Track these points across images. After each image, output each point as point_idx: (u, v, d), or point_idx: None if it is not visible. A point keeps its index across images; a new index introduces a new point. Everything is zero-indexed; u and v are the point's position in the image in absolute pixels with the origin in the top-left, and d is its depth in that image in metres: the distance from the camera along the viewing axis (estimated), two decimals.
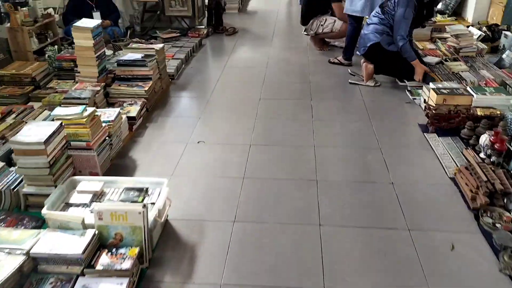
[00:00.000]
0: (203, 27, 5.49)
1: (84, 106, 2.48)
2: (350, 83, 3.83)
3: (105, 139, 2.56)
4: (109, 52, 4.04)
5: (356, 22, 4.05)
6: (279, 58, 4.57)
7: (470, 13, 5.62)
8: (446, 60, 3.95)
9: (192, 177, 2.50)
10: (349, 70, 4.00)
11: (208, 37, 5.33)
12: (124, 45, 4.51)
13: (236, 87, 3.87)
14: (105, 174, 2.51)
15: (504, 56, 3.98)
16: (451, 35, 4.13)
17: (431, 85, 3.21)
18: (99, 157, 2.47)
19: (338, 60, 4.31)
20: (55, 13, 4.52)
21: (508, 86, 3.27)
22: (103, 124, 2.58)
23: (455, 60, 3.95)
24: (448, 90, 3.05)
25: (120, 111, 2.84)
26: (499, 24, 4.60)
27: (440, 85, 3.21)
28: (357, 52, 3.78)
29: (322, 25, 4.59)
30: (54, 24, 4.42)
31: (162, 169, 2.59)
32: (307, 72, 4.18)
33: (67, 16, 4.72)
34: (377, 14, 3.56)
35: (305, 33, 4.80)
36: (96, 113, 2.52)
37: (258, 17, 6.47)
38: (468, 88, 3.08)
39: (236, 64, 4.45)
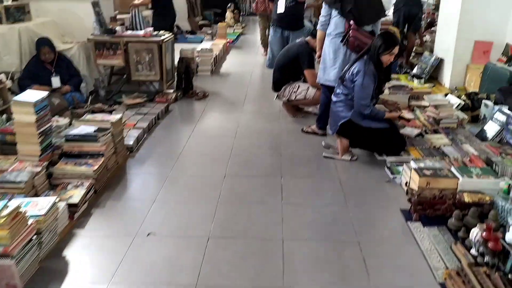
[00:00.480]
0: (172, 91, 5.23)
1: (5, 202, 2.08)
2: (325, 157, 3.53)
3: (30, 240, 2.14)
4: (65, 121, 3.70)
5: (329, 91, 3.81)
6: (249, 126, 4.28)
7: (447, 79, 5.52)
8: (426, 132, 3.71)
9: (133, 286, 2.08)
10: (323, 142, 3.71)
11: (177, 102, 5.05)
12: (83, 112, 4.18)
13: (201, 160, 3.52)
14: (28, 283, 2.07)
15: (486, 127, 3.78)
16: (430, 105, 3.92)
17: (413, 164, 2.92)
18: (21, 263, 2.03)
19: (312, 130, 4.04)
20: (7, 79, 4.19)
21: (495, 165, 3.01)
22: (30, 221, 2.17)
23: (435, 132, 3.72)
24: (431, 171, 2.76)
25: (56, 201, 2.43)
26: (478, 92, 4.45)
27: (422, 164, 2.93)
28: (329, 132, 3.52)
29: (295, 92, 4.36)
30: (5, 91, 4.07)
31: (100, 273, 2.16)
32: (279, 142, 3.88)
33: (24, 82, 4.38)
34: (340, 88, 3.33)
35: (277, 99, 4.56)
36: (21, 209, 2.11)
37: (231, 79, 6.27)
38: (453, 169, 2.79)
39: (203, 132, 4.14)
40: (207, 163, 3.46)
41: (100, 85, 5.11)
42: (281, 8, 4.88)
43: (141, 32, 5.08)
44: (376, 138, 3.30)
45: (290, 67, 4.34)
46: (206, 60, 6.45)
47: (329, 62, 3.69)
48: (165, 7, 5.74)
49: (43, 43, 4.45)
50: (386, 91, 4.42)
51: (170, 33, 5.34)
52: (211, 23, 11.35)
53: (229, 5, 11.15)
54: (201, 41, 9.04)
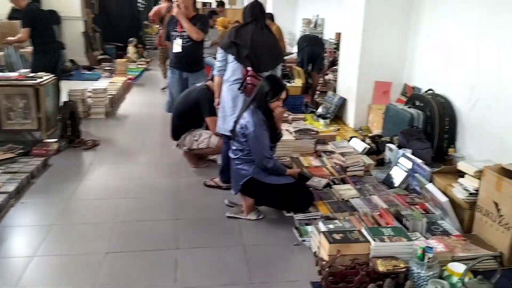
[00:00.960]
0: (55, 141, 4.52)
1: None
2: (229, 217, 3.12)
3: None
4: None
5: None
6: (144, 183, 3.75)
7: (351, 118, 5.51)
8: (334, 182, 3.50)
9: None
10: (226, 200, 3.31)
11: (60, 154, 4.35)
12: None
13: (77, 235, 2.90)
14: None
15: (392, 172, 3.67)
16: (337, 152, 3.74)
17: (322, 227, 2.63)
18: None
19: (215, 183, 3.64)
20: None
21: (405, 220, 2.83)
22: None
23: (343, 181, 3.52)
24: (341, 235, 2.47)
25: None
26: (381, 135, 4.41)
27: (331, 226, 2.64)
28: (232, 192, 3.14)
29: (196, 140, 3.94)
30: None
31: None
32: (178, 202, 3.41)
33: None
34: (235, 145, 3.00)
35: (177, 148, 4.11)
36: None
37: (128, 123, 5.69)
38: (364, 231, 2.54)
39: (87, 194, 3.52)
40: (85, 237, 2.85)
41: None
42: (177, 47, 4.49)
43: (14, 74, 4.36)
44: (282, 194, 2.98)
45: (190, 114, 3.93)
46: (99, 102, 5.82)
47: (229, 110, 3.36)
48: (45, 44, 5.05)
49: None
50: (291, 136, 4.19)
51: (52, 74, 4.67)
52: (112, 58, 10.66)
53: (131, 39, 10.58)
54: (98, 78, 8.33)
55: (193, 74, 4.58)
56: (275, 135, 3.05)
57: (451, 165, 4.21)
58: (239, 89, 3.23)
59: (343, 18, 5.75)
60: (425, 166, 3.34)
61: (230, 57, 3.28)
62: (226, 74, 3.34)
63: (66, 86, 6.02)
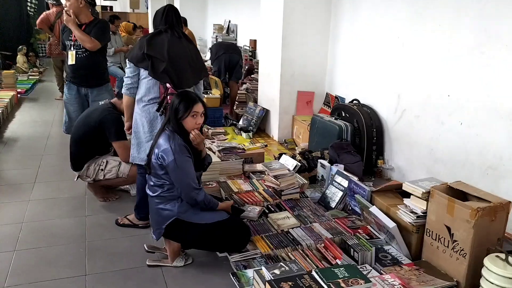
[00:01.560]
0: None
1: None
2: (150, 265, 2.58)
3: None
4: None
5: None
6: (39, 225, 3.04)
7: (275, 131, 5.21)
8: (268, 208, 3.11)
9: None
10: (145, 246, 2.74)
11: None
12: None
13: None
14: None
15: (327, 192, 3.39)
16: (269, 174, 3.37)
17: (266, 273, 2.21)
18: None
19: (130, 221, 3.05)
20: None
21: (353, 252, 2.53)
22: None
23: (278, 207, 3.15)
24: (290, 284, 2.08)
25: None
26: (311, 150, 4.14)
27: (276, 271, 2.24)
28: (153, 237, 2.58)
29: (102, 169, 3.31)
30: None
31: None
32: (84, 250, 2.76)
33: None
34: (153, 180, 2.47)
35: (78, 179, 3.43)
36: None
37: (18, 148, 4.79)
38: (315, 275, 2.17)
39: None
40: None
41: None
42: (71, 59, 3.79)
43: None
44: (214, 234, 2.51)
45: (92, 139, 3.29)
46: None
47: (144, 136, 2.81)
48: None
49: None
50: (215, 157, 3.74)
51: None
52: None
53: (20, 47, 9.30)
54: None
55: (94, 89, 3.91)
56: (201, 162, 2.58)
57: (381, 177, 4.13)
58: (157, 110, 2.70)
59: (260, 24, 5.45)
60: (363, 185, 3.11)
61: (143, 72, 2.74)
62: (139, 93, 2.79)
63: None
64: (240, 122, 5.60)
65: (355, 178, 3.26)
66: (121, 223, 3.06)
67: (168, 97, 2.69)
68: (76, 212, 3.27)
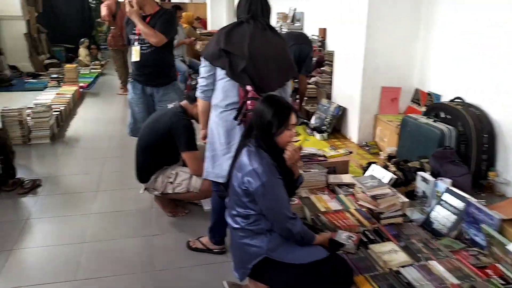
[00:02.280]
0: None
1: None
2: None
3: None
4: None
5: (225, 191, 2.47)
6: (100, 247, 2.69)
7: (353, 132, 4.61)
8: (366, 236, 2.56)
9: None
10: (225, 283, 2.29)
11: None
12: None
13: None
14: None
15: (434, 214, 2.78)
16: (362, 191, 2.81)
17: None
18: None
19: (204, 245, 2.63)
20: None
21: None
22: None
23: (378, 234, 2.59)
24: None
25: None
26: (407, 159, 3.51)
27: None
28: (235, 274, 2.10)
29: (171, 182, 2.91)
30: None
31: None
32: (153, 281, 2.37)
33: None
34: (236, 209, 1.98)
35: (144, 191, 3.06)
36: None
37: (80, 149, 4.55)
38: None
39: (17, 278, 2.41)
40: None
41: None
42: (135, 55, 3.40)
43: None
44: (310, 276, 2.01)
45: (160, 148, 2.89)
46: (42, 123, 4.64)
47: (220, 148, 2.35)
48: None
49: None
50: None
51: None
52: (61, 62, 9.31)
53: (82, 40, 9.26)
54: (45, 88, 7.07)
55: (160, 88, 3.51)
56: (293, 184, 2.08)
57: (493, 193, 3.43)
58: (235, 118, 2.23)
59: (331, 12, 4.84)
60: (490, 211, 2.47)
61: (220, 72, 2.27)
62: (215, 97, 2.33)
63: (4, 100, 4.82)
64: (312, 121, 5.05)
65: (473, 200, 2.63)
66: (193, 246, 2.65)
67: (249, 102, 2.21)
68: (142, 230, 2.90)
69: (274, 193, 1.89)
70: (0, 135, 3.48)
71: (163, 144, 2.86)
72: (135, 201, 3.29)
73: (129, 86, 3.60)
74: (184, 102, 2.95)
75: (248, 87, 2.21)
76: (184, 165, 3.07)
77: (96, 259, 2.55)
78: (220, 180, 2.38)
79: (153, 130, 2.90)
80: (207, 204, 3.09)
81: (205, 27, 10.61)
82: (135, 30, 3.42)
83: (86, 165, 4.06)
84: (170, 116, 2.85)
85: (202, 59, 2.31)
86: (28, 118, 4.67)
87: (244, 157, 1.91)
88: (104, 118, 5.70)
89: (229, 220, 2.05)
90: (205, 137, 2.53)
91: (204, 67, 2.30)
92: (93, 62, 9.28)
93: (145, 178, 2.97)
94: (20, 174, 3.62)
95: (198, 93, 2.37)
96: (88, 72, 8.43)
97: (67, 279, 2.36)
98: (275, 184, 1.90)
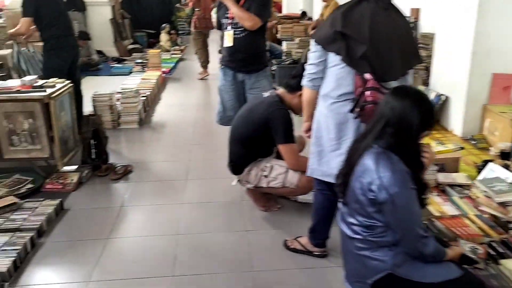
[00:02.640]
0: (74, 169, 3.44)
1: None
2: None
3: None
4: None
5: (330, 190, 2.24)
6: (195, 242, 2.59)
7: (457, 124, 4.14)
8: (492, 247, 2.21)
9: None
10: None
11: (81, 188, 3.27)
12: None
13: None
14: None
15: None
16: (486, 195, 2.44)
17: None
18: None
19: (303, 246, 2.44)
20: None
21: None
22: None
23: (507, 246, 2.23)
24: None
25: None
26: None
27: None
28: (347, 286, 1.86)
29: (265, 176, 2.74)
30: None
31: None
32: (248, 280, 2.22)
33: None
34: (357, 217, 1.70)
35: (236, 183, 2.92)
36: None
37: (167, 135, 4.54)
38: None
39: (114, 263, 2.39)
40: None
41: None
42: (228, 40, 3.24)
43: (16, 84, 3.26)
44: None
45: (256, 139, 2.72)
46: (131, 108, 4.70)
47: (329, 143, 2.11)
48: (58, 38, 3.89)
49: None
50: None
51: (68, 80, 3.55)
52: (143, 47, 9.54)
53: (163, 25, 9.39)
54: (130, 73, 7.25)
55: (252, 75, 3.33)
56: (423, 193, 1.79)
57: None
58: (351, 111, 1.98)
59: None
60: None
61: (333, 58, 2.02)
62: (326, 86, 2.09)
63: (92, 84, 4.95)
64: None
65: None
66: (291, 247, 2.47)
67: (368, 93, 1.94)
68: (235, 224, 2.77)
69: (406, 207, 1.62)
70: (94, 121, 3.52)
71: (258, 136, 2.69)
72: (225, 192, 3.17)
73: (219, 73, 3.46)
74: (281, 91, 2.74)
75: (367, 75, 1.94)
76: (278, 157, 2.89)
77: (192, 254, 2.45)
78: (327, 179, 2.15)
79: (248, 120, 2.73)
80: (309, 197, 2.90)
81: (279, 10, 10.32)
82: (227, 13, 3.25)
83: (173, 151, 4.03)
84: (266, 106, 2.66)
85: (312, 43, 2.07)
86: (118, 103, 4.75)
87: (369, 161, 1.66)
88: (187, 104, 5.68)
89: (344, 227, 1.81)
90: (308, 130, 2.31)
91: (314, 53, 2.06)
92: (173, 48, 9.40)
93: (238, 170, 2.82)
94: (111, 159, 3.66)
95: (305, 82, 2.14)
96: (169, 57, 8.54)
97: (165, 274, 2.28)
98: (408, 196, 1.63)
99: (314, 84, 2.12)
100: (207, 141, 4.25)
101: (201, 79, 7.11)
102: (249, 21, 3.13)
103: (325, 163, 2.14)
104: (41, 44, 4.02)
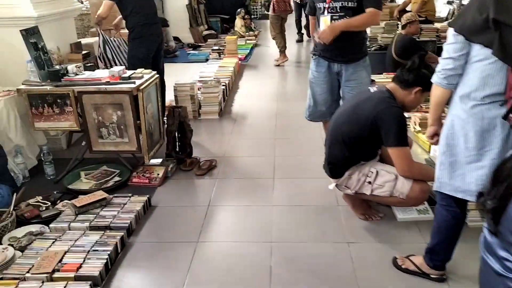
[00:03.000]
0: (159, 163, 3.34)
1: None
2: None
3: None
4: None
5: (459, 207, 1.89)
6: (290, 251, 2.36)
7: None
8: None
9: None
10: None
11: (167, 183, 3.16)
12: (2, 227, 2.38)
13: None
14: None
15: None
16: None
17: None
18: None
19: (417, 267, 2.12)
20: None
21: None
22: None
23: None
24: None
25: None
26: None
27: None
28: None
29: (369, 182, 2.43)
30: None
31: None
32: None
33: None
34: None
35: (334, 187, 2.63)
36: None
37: (248, 126, 4.34)
38: None
39: (206, 271, 2.22)
40: None
41: (46, 158, 3.24)
42: (324, 27, 2.91)
43: (104, 74, 3.19)
44: None
45: (361, 140, 2.41)
46: (212, 98, 4.55)
47: (466, 154, 1.76)
48: (143, 26, 3.79)
49: None
50: None
51: (154, 70, 3.43)
52: (217, 33, 9.44)
53: (239, 10, 9.20)
54: (207, 60, 7.16)
55: (349, 65, 2.99)
56: None
57: None
58: (504, 117, 1.61)
59: None
60: None
61: (479, 51, 1.65)
62: (466, 84, 1.73)
63: (170, 72, 4.86)
64: None
65: None
66: (403, 266, 2.15)
67: None
68: (333, 234, 2.49)
69: None
70: (180, 113, 3.38)
71: (364, 136, 2.38)
72: (317, 194, 2.90)
73: (311, 64, 3.16)
74: (392, 86, 2.39)
75: None
76: (381, 161, 2.56)
77: (289, 267, 2.22)
78: (459, 196, 1.81)
79: (352, 118, 2.42)
80: (400, 212, 2.57)
81: None
82: None
83: (257, 146, 3.83)
84: (376, 103, 2.33)
85: (451, 33, 1.71)
86: (198, 92, 4.62)
87: None
88: (266, 93, 5.46)
89: (491, 260, 1.46)
90: (433, 136, 1.96)
91: (453, 44, 1.71)
92: (247, 33, 9.20)
93: (338, 173, 2.53)
94: (194, 152, 3.53)
95: (438, 79, 1.79)
96: (244, 43, 8.34)
97: (261, 278, 2.08)
98: None
99: (450, 82, 1.76)
100: (292, 135, 3.99)
101: (278, 65, 6.88)
102: (372, 20, 2.84)
103: (459, 176, 1.79)
104: (126, 32, 3.96)
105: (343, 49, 2.95)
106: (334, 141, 2.52)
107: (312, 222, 2.62)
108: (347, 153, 2.46)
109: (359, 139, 2.40)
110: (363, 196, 2.54)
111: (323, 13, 2.95)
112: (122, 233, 2.43)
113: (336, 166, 2.53)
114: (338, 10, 2.88)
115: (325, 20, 2.94)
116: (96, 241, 2.35)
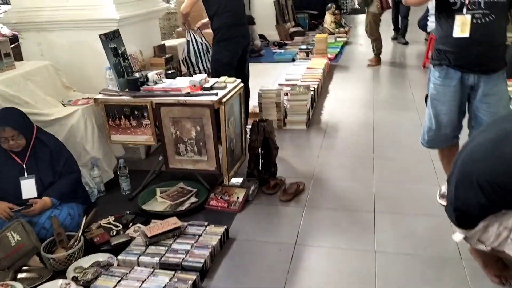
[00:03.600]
0: (239, 182, 2.96)
1: None
2: None
3: None
4: None
5: None
6: None
7: None
8: None
9: None
10: None
11: (247, 208, 2.77)
12: (65, 259, 2.16)
13: None
14: None
15: None
16: None
17: None
18: None
19: None
20: None
21: None
22: None
23: None
24: None
25: None
26: None
27: None
28: None
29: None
30: None
31: None
32: None
33: None
34: None
35: (460, 239, 2.04)
36: None
37: (341, 140, 3.80)
38: None
39: None
40: None
41: (122, 172, 3.01)
42: (461, 29, 2.26)
43: (185, 84, 2.85)
44: None
45: (505, 190, 1.78)
46: (299, 106, 4.08)
47: None
48: (230, 28, 3.41)
49: (2, 122, 2.45)
50: None
51: (238, 79, 3.04)
52: (305, 30, 8.92)
53: (329, 5, 8.58)
54: (293, 60, 6.70)
55: (490, 77, 2.33)
56: None
57: None
58: None
59: None
60: None
61: None
62: None
63: (254, 73, 4.43)
64: None
65: None
66: None
67: None
68: None
69: None
70: (264, 128, 2.97)
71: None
72: (432, 240, 2.32)
73: (435, 73, 2.51)
74: None
75: None
76: None
77: None
78: None
79: (495, 156, 1.80)
80: None
81: None
82: None
83: (351, 165, 3.29)
84: None
85: None
86: (284, 98, 4.18)
87: None
88: (359, 99, 4.87)
89: None
90: None
91: None
92: (337, 30, 8.56)
93: (468, 223, 1.94)
94: (278, 170, 3.10)
95: None
96: (333, 41, 7.73)
97: None
98: None
99: None
100: (394, 154, 3.39)
101: (371, 65, 6.24)
102: None
103: None
104: (210, 32, 3.63)
105: (483, 57, 2.30)
106: (464, 182, 1.91)
107: (427, 279, 2.06)
108: (483, 200, 1.85)
109: (504, 187, 1.78)
110: (501, 254, 1.92)
111: (459, 10, 2.30)
112: (195, 276, 2.07)
113: (465, 214, 1.94)
114: (483, 6, 2.23)
115: (463, 20, 2.29)
116: (165, 285, 2.01)
